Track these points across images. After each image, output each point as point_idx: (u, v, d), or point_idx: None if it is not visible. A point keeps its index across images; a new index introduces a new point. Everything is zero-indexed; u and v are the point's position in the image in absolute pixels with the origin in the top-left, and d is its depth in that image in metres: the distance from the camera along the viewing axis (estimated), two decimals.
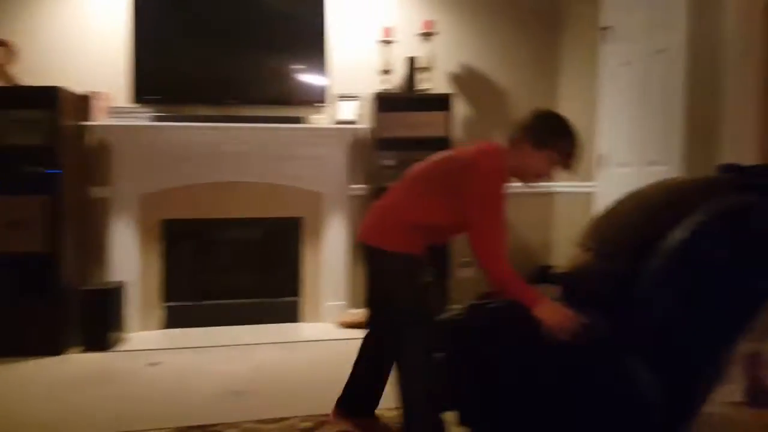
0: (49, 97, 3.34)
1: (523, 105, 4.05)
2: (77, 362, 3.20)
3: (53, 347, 3.28)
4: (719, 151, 2.74)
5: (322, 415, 2.39)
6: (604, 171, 3.63)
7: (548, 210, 4.19)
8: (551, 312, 1.84)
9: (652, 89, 3.25)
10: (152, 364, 3.12)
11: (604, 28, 3.59)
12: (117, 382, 2.89)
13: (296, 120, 3.77)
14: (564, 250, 3.81)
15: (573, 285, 2.07)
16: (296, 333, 3.72)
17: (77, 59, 3.67)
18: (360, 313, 3.74)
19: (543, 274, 3.75)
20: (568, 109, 3.96)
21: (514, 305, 1.91)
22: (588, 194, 3.70)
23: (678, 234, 1.73)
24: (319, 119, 3.81)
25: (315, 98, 3.81)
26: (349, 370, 2.32)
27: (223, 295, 3.87)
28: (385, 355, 2.18)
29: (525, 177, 2.05)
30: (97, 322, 3.37)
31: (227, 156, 3.76)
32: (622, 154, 3.49)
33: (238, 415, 2.46)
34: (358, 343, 2.33)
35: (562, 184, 4.01)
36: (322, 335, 3.65)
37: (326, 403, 2.42)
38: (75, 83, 3.54)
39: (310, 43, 3.79)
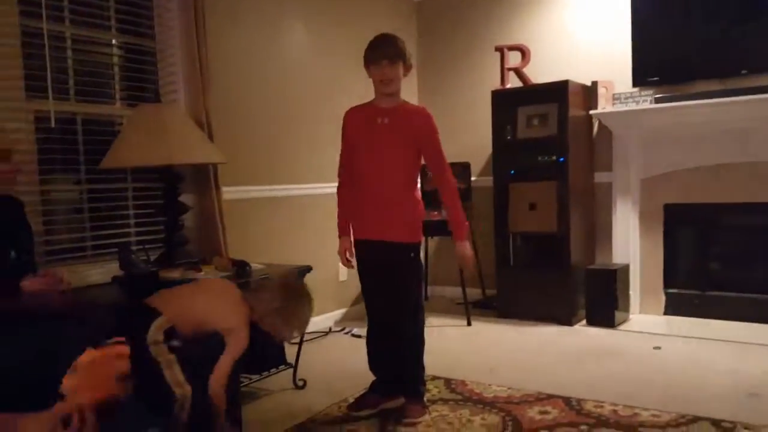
0: (558, 92, 3.70)
1: None
2: (584, 335, 3.49)
3: (565, 318, 3.68)
4: None
5: None
6: None
7: None
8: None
9: None
10: (655, 348, 3.14)
11: None
12: (621, 359, 3.02)
13: None
14: None
15: None
16: None
17: (582, 52, 3.96)
18: None
19: None
20: None
21: None
22: None
23: None
24: None
25: None
26: None
27: (730, 287, 3.55)
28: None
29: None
30: (601, 300, 3.60)
31: (732, 134, 3.40)
32: None
33: (754, 417, 2.24)
34: None
35: None
36: None
37: None
38: (581, 75, 3.82)
39: None
